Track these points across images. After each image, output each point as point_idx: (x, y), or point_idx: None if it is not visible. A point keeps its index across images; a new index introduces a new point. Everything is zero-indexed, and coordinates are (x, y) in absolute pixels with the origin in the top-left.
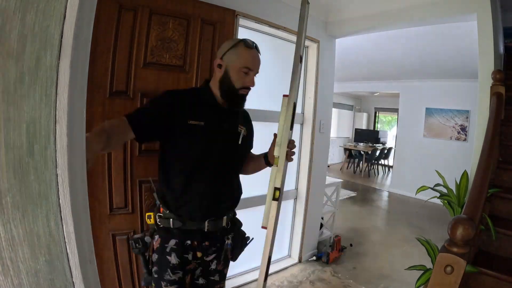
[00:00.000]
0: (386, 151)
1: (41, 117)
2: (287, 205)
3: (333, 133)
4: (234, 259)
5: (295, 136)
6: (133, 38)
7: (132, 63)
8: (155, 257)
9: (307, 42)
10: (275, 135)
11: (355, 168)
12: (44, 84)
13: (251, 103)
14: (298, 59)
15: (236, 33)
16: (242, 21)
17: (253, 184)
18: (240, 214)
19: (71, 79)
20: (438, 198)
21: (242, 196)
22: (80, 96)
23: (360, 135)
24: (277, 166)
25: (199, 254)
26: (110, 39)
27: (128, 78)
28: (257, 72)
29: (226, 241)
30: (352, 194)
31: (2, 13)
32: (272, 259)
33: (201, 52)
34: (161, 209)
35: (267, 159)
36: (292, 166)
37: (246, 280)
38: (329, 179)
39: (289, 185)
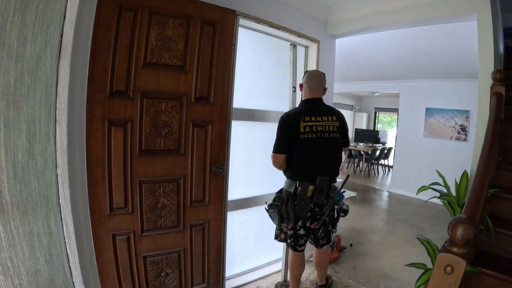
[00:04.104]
0: (386, 151)
1: (41, 117)
2: None
3: None
4: None
5: None
6: (133, 38)
7: (132, 63)
8: None
9: (307, 42)
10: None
11: (355, 168)
12: (44, 84)
13: (251, 103)
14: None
15: (236, 33)
16: (242, 21)
17: (252, 185)
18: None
19: (71, 79)
20: (438, 198)
21: (241, 197)
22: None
23: (360, 135)
24: None
25: None
26: (110, 39)
27: (128, 78)
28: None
29: None
30: (352, 194)
31: (2, 13)
32: (272, 258)
33: (201, 52)
34: None
35: None
36: None
37: (246, 280)
38: None
39: None
